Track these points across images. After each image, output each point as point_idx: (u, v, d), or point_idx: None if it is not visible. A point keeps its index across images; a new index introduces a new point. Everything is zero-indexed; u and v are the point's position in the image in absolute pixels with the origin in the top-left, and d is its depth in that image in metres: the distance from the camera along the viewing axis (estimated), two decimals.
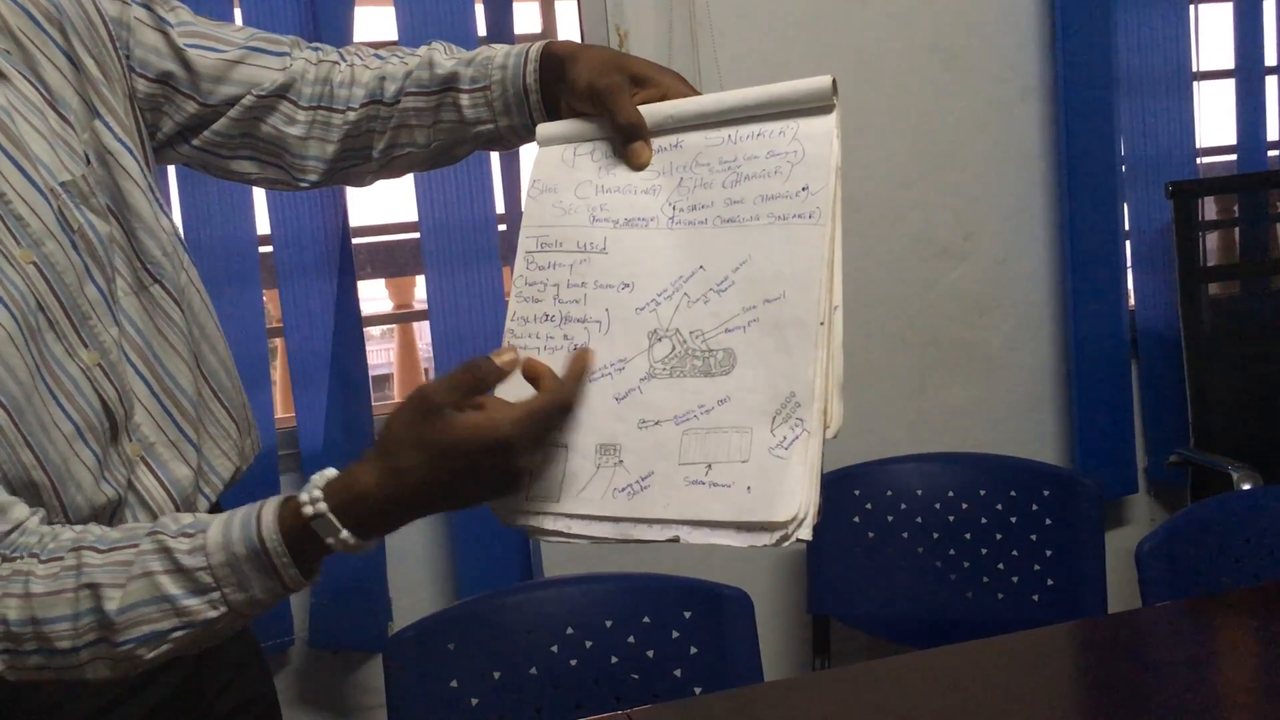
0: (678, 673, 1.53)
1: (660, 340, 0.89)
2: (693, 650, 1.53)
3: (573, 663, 1.52)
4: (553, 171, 0.98)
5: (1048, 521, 2.09)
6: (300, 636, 2.09)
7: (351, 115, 1.06)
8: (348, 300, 2.02)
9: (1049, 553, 2.08)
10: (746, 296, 0.87)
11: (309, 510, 0.81)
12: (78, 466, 0.90)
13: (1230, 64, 2.44)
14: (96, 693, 0.96)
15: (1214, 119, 2.45)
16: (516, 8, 2.05)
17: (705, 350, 0.88)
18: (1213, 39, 2.45)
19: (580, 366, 0.89)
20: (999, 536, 2.12)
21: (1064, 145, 2.32)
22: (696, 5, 2.13)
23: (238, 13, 1.93)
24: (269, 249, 2.01)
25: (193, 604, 0.81)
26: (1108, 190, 2.34)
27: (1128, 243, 2.40)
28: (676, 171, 0.93)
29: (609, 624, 1.54)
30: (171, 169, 1.84)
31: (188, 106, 1.04)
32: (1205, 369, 2.31)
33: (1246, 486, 2.08)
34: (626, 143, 0.95)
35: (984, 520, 2.13)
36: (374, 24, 2.34)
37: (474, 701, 1.48)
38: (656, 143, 0.95)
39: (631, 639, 1.54)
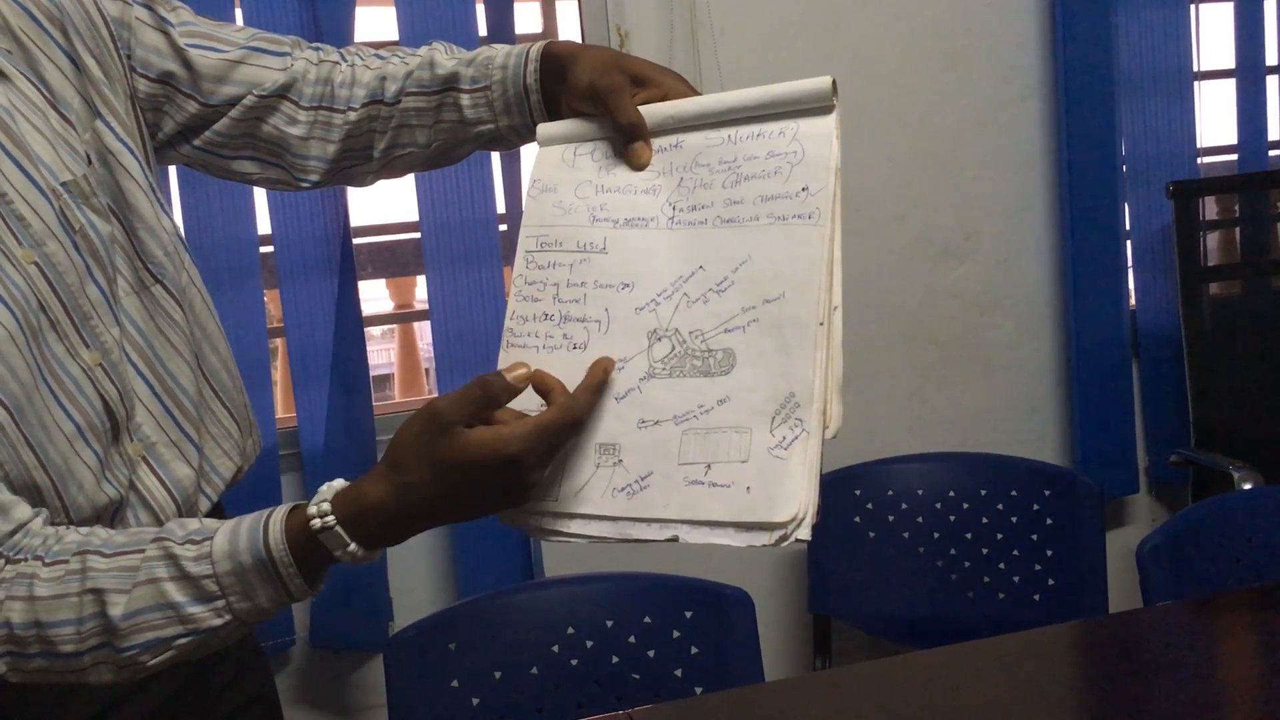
0: (678, 673, 1.53)
1: (660, 340, 0.89)
2: (694, 650, 1.53)
3: (573, 662, 1.52)
4: (553, 171, 0.98)
5: (1049, 521, 2.09)
6: (301, 636, 2.09)
7: (352, 115, 1.06)
8: (348, 300, 2.03)
9: (1050, 552, 2.08)
10: (746, 297, 0.87)
11: (317, 523, 0.82)
12: (79, 466, 0.90)
13: (1231, 64, 2.44)
14: (97, 694, 0.96)
15: (1215, 119, 2.45)
16: (517, 7, 2.05)
17: (705, 350, 0.88)
18: (1213, 39, 2.45)
19: (596, 380, 0.89)
20: (1000, 536, 2.12)
21: (1065, 145, 2.32)
22: (697, 5, 2.13)
23: (238, 13, 1.93)
24: (270, 249, 2.01)
25: (197, 611, 0.82)
26: (1108, 190, 2.34)
27: (1128, 242, 2.40)
28: (677, 171, 0.93)
29: (610, 624, 1.54)
30: (172, 169, 1.84)
31: (189, 106, 1.04)
32: (1206, 368, 2.31)
33: (1247, 486, 2.08)
34: (627, 143, 0.95)
35: (985, 520, 2.13)
36: (375, 24, 2.34)
37: (475, 701, 1.48)
38: (657, 143, 0.95)
39: (632, 639, 1.54)
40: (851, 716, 1.22)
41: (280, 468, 2.05)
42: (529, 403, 0.88)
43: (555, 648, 1.52)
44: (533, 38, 2.21)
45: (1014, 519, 2.12)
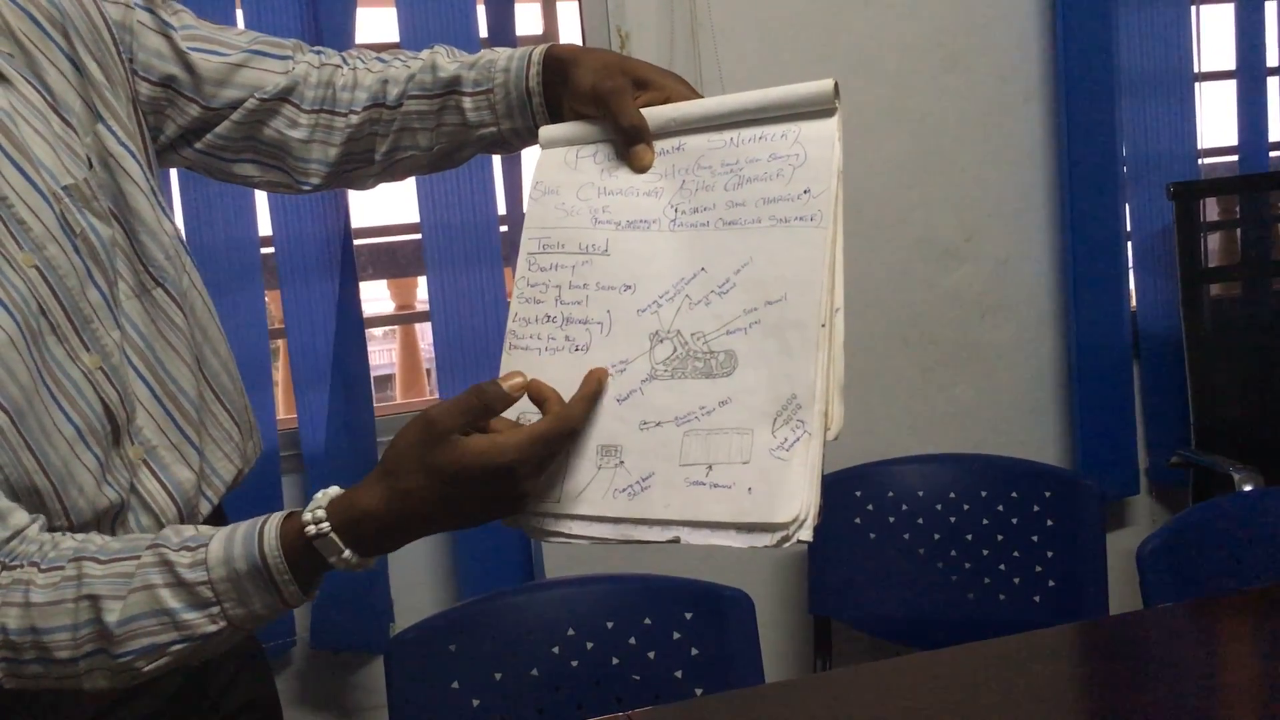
0: (679, 674, 1.53)
1: (662, 342, 0.89)
2: (694, 651, 1.53)
3: (574, 664, 1.52)
4: (555, 173, 0.98)
5: (1049, 522, 2.09)
6: (302, 638, 2.10)
7: (354, 118, 1.06)
8: (349, 301, 2.03)
9: (1050, 554, 2.08)
10: (748, 298, 0.87)
11: (312, 530, 0.82)
12: (79, 470, 0.90)
13: (1231, 65, 2.45)
14: (96, 696, 0.96)
15: (1215, 120, 2.45)
16: (518, 9, 2.05)
17: (706, 352, 0.88)
18: (1214, 40, 2.45)
19: (590, 390, 0.89)
20: (1000, 537, 2.12)
21: (1065, 146, 2.32)
22: (698, 6, 2.13)
23: (240, 14, 1.93)
24: (271, 250, 2.02)
25: (192, 618, 0.82)
26: (1109, 191, 2.34)
27: (1129, 243, 2.40)
28: (678, 174, 0.93)
29: (610, 625, 1.54)
30: (173, 171, 1.84)
31: (190, 110, 1.04)
32: (1207, 370, 2.31)
33: (1248, 488, 2.08)
34: (629, 145, 0.95)
35: (985, 521, 2.13)
36: (376, 25, 2.34)
37: (475, 702, 1.48)
38: (659, 145, 0.95)
39: (632, 640, 1.54)
40: (852, 718, 1.22)
41: (281, 469, 2.05)
42: (526, 410, 0.88)
43: (555, 649, 1.53)
44: (533, 39, 2.22)
45: (1014, 520, 2.12)
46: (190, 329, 1.02)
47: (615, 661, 1.53)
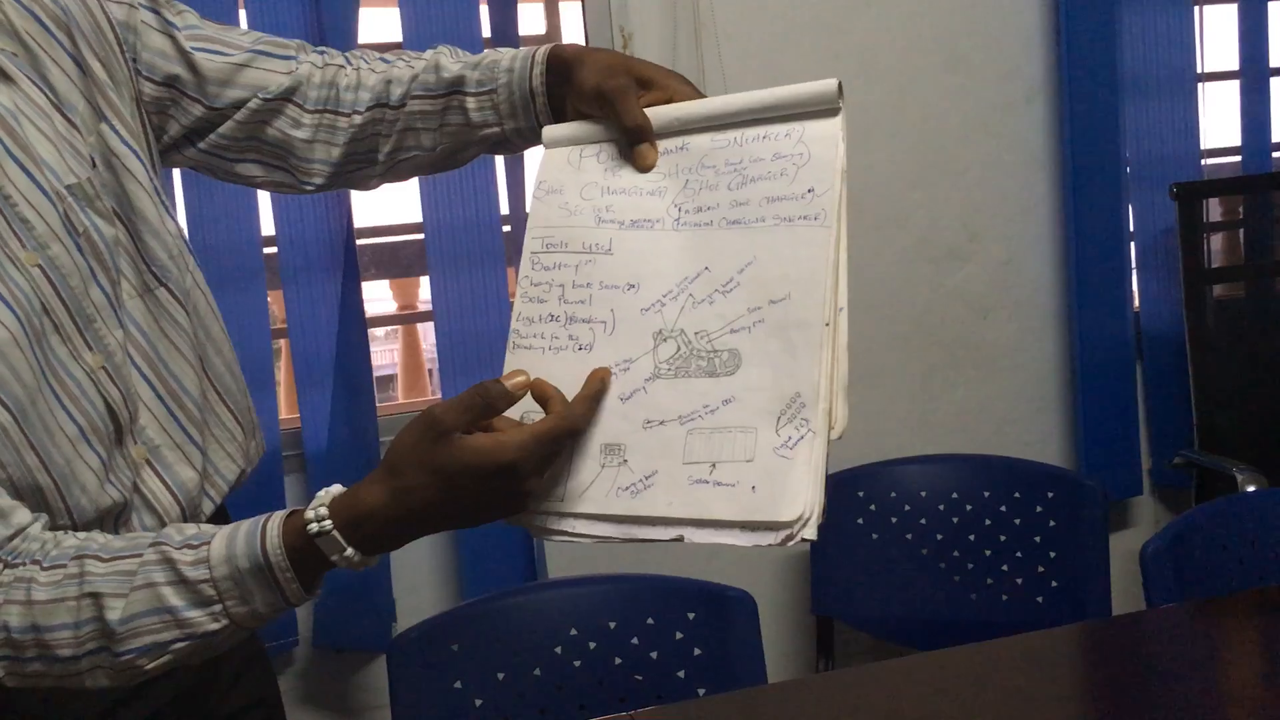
0: (681, 674, 1.53)
1: (665, 341, 0.89)
2: (696, 651, 1.53)
3: (576, 664, 1.52)
4: (559, 173, 0.98)
5: (1052, 523, 2.09)
6: (304, 637, 2.10)
7: (357, 119, 1.06)
8: (352, 301, 2.03)
9: (1053, 554, 2.08)
10: (752, 297, 0.87)
11: (314, 528, 0.82)
12: (82, 469, 0.90)
13: (1235, 65, 2.45)
14: (99, 695, 0.96)
15: (1219, 120, 2.45)
16: (521, 9, 2.05)
17: (710, 351, 0.88)
18: (1217, 40, 2.45)
19: (593, 390, 0.89)
20: (1003, 538, 2.12)
21: (1068, 147, 2.32)
22: (701, 7, 2.13)
23: (243, 14, 1.93)
24: (273, 250, 2.02)
25: (194, 616, 0.82)
26: (1112, 191, 2.34)
27: (1132, 244, 2.40)
28: (682, 173, 0.93)
29: (613, 625, 1.54)
30: (176, 171, 1.84)
31: (194, 110, 1.04)
32: (1210, 370, 2.31)
33: (1251, 488, 2.08)
34: (632, 145, 0.95)
35: (988, 522, 2.13)
36: (379, 26, 2.34)
37: (478, 702, 1.48)
38: (662, 145, 0.95)
39: (635, 640, 1.54)
40: (854, 718, 1.22)
41: (284, 469, 2.05)
42: (530, 410, 0.88)
43: (558, 649, 1.53)
44: (536, 39, 2.22)
45: (1017, 521, 2.12)
46: (193, 328, 1.02)
47: (618, 661, 1.53)
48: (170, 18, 1.03)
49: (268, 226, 2.00)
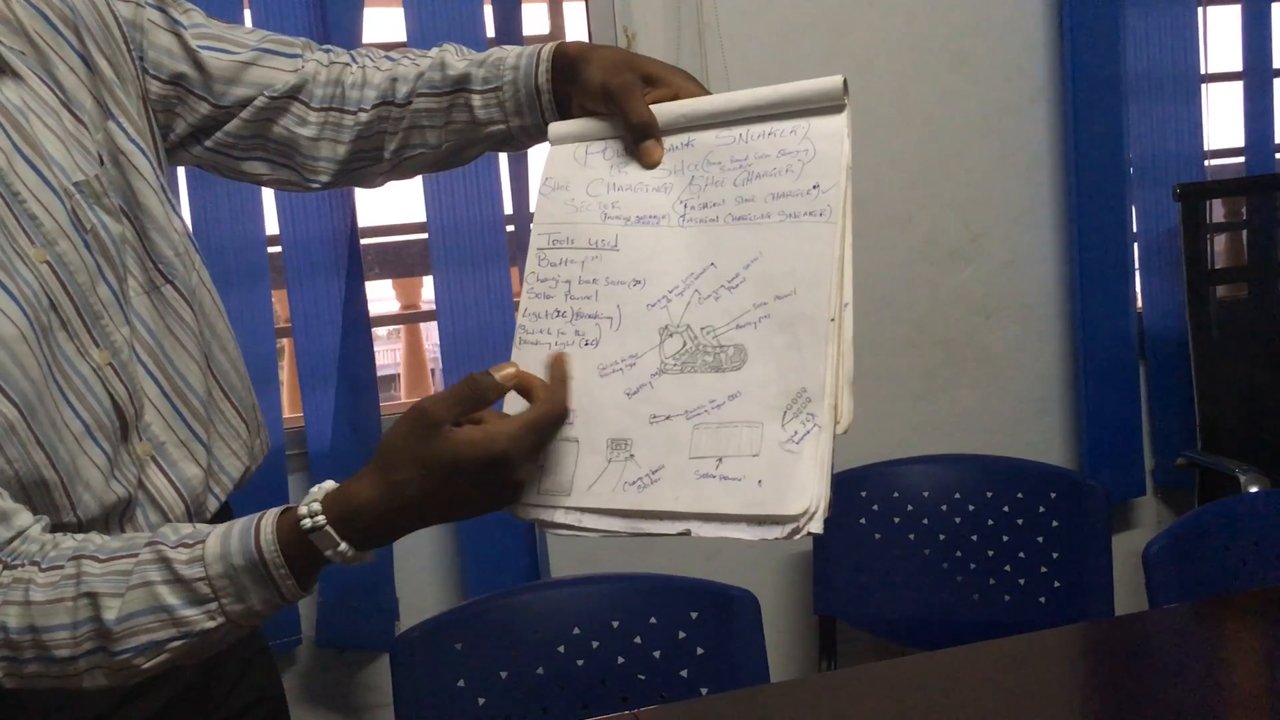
0: (684, 673, 1.53)
1: (671, 336, 0.90)
2: (699, 651, 1.53)
3: (579, 663, 1.53)
4: (565, 169, 0.98)
5: (1054, 524, 2.09)
6: (308, 636, 2.10)
7: (363, 116, 1.06)
8: (356, 300, 2.03)
9: (1056, 555, 2.08)
10: (757, 293, 0.87)
11: (308, 523, 0.82)
12: (87, 466, 0.90)
13: (1238, 66, 2.44)
14: (103, 694, 0.96)
15: (1222, 121, 2.45)
16: (525, 9, 2.06)
17: (716, 346, 0.88)
18: (1221, 41, 2.45)
19: (561, 372, 0.89)
20: (1005, 538, 2.12)
21: (1071, 147, 2.32)
22: (704, 7, 2.13)
23: (247, 15, 1.94)
24: (277, 249, 2.02)
25: (190, 614, 0.82)
26: (1115, 192, 2.34)
27: (1135, 245, 2.40)
28: (688, 170, 0.94)
29: (616, 624, 1.54)
30: (181, 170, 1.85)
31: (200, 108, 1.04)
32: (1213, 371, 2.31)
33: (1254, 489, 2.08)
34: (638, 141, 0.95)
35: (991, 522, 2.13)
36: (383, 25, 2.34)
37: (481, 701, 1.48)
38: (668, 141, 0.95)
39: (638, 639, 1.54)
40: (856, 717, 1.22)
41: (288, 468, 2.06)
42: (516, 407, 0.89)
43: (561, 648, 1.53)
44: (540, 39, 2.22)
45: (1020, 521, 2.12)
46: (199, 326, 1.02)
47: (621, 661, 1.53)
48: (177, 16, 1.03)
49: (272, 226, 2.01)
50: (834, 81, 0.89)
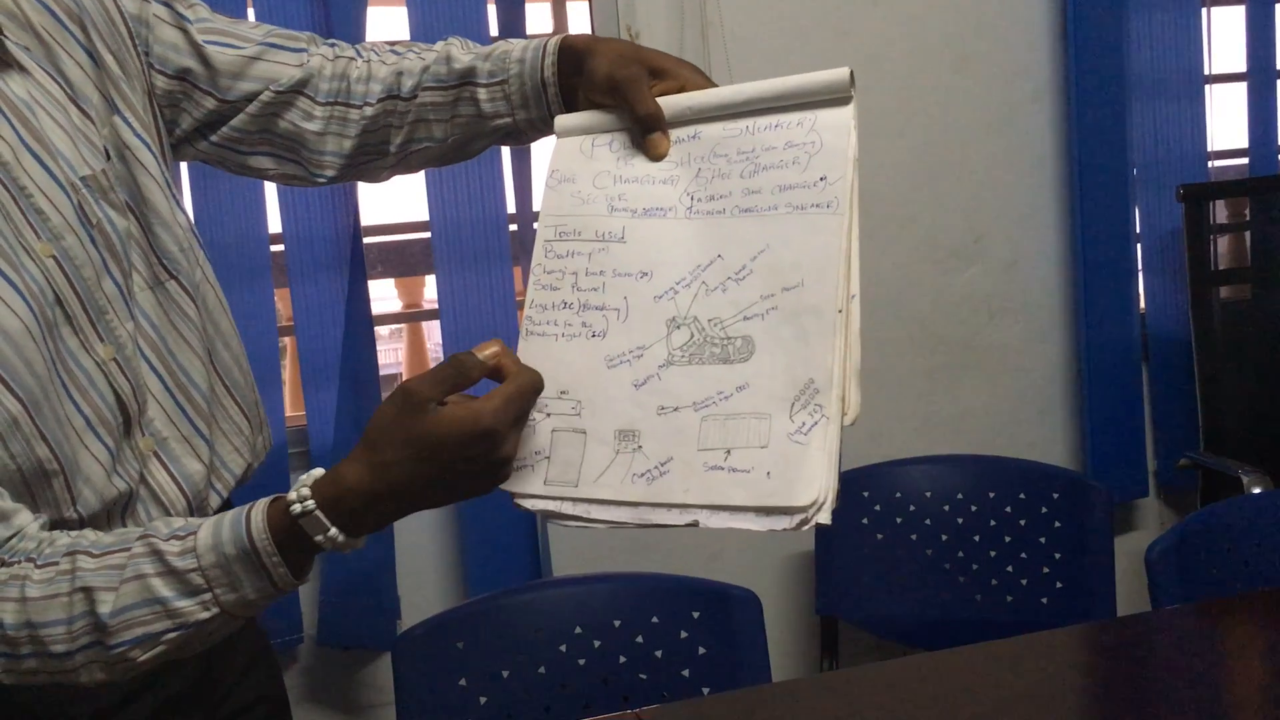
0: (686, 673, 1.53)
1: (679, 328, 0.90)
2: (701, 650, 1.53)
3: (581, 662, 1.52)
4: (571, 162, 0.98)
5: (1057, 524, 2.09)
6: (309, 634, 2.10)
7: (368, 110, 1.06)
8: (358, 299, 2.03)
9: (1058, 555, 2.08)
10: (765, 285, 0.88)
11: (297, 508, 0.82)
12: (89, 460, 0.90)
13: (1242, 67, 2.44)
14: (105, 692, 0.96)
15: (1225, 122, 2.45)
16: (528, 8, 2.06)
17: (724, 338, 0.88)
18: (1224, 42, 2.45)
19: (512, 354, 0.88)
20: (1008, 539, 2.12)
21: (1075, 148, 2.32)
22: (707, 6, 2.13)
23: (251, 14, 1.94)
24: (280, 247, 2.02)
25: (184, 605, 0.82)
26: (1119, 193, 2.34)
27: (1138, 246, 2.40)
28: (694, 162, 0.94)
29: (617, 624, 1.54)
30: (184, 168, 1.85)
31: (206, 103, 1.04)
32: (1216, 372, 2.31)
33: (1257, 490, 2.08)
34: (645, 134, 0.95)
35: (993, 523, 2.13)
36: (386, 24, 2.35)
37: (482, 700, 1.48)
38: (674, 134, 0.95)
39: (640, 639, 1.54)
40: (858, 717, 1.22)
41: (290, 466, 2.05)
42: None
43: (563, 647, 1.52)
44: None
45: (1022, 522, 2.11)
46: (202, 322, 1.02)
47: (623, 660, 1.53)
48: (182, 11, 1.03)
49: (275, 224, 2.00)
50: (840, 74, 0.89)
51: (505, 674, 1.50)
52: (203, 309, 1.03)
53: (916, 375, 2.37)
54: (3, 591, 0.81)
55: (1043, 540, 2.09)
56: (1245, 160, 2.48)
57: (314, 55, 1.07)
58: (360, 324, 2.04)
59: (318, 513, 0.82)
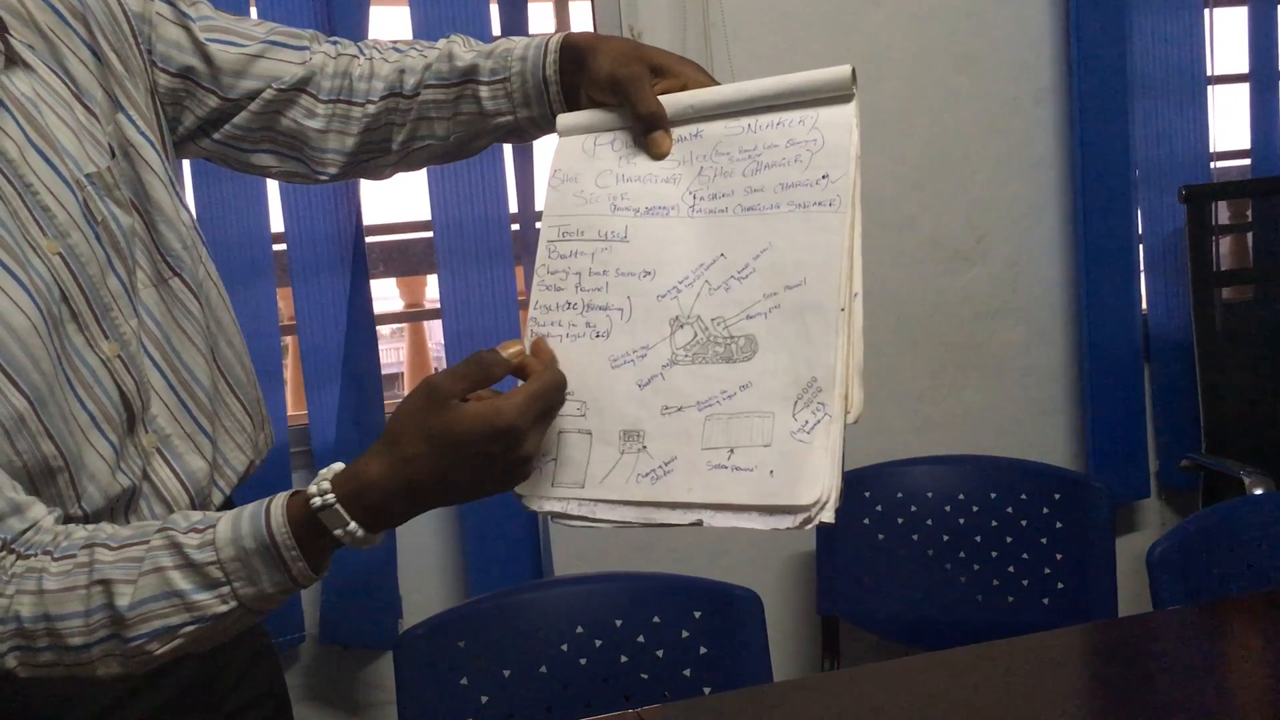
0: (687, 672, 1.52)
1: (682, 327, 0.90)
2: (702, 650, 1.53)
3: (582, 661, 1.52)
4: (574, 161, 0.98)
5: (1058, 525, 2.09)
6: (311, 633, 2.10)
7: (371, 108, 1.06)
8: (360, 298, 2.03)
9: (1059, 556, 2.08)
10: (767, 283, 0.88)
11: (317, 502, 0.82)
12: (93, 457, 0.90)
13: (1244, 68, 2.44)
14: (108, 689, 0.96)
15: (1228, 123, 2.45)
16: (531, 7, 2.06)
17: (727, 337, 0.88)
18: (1227, 43, 2.45)
19: (547, 355, 0.90)
20: (1009, 539, 2.12)
21: (1077, 149, 2.32)
22: (710, 6, 2.13)
23: (253, 12, 1.94)
24: (282, 246, 2.02)
25: (203, 598, 0.82)
26: (1121, 194, 2.34)
27: (1140, 246, 2.40)
28: (697, 160, 0.94)
29: (619, 623, 1.54)
30: (186, 167, 1.85)
31: (209, 100, 1.04)
32: (1217, 373, 2.31)
33: (1258, 491, 2.08)
34: (647, 132, 0.95)
35: (994, 523, 2.13)
36: (388, 24, 2.35)
37: (484, 699, 1.48)
38: (677, 132, 0.95)
39: (641, 638, 1.54)
40: (859, 717, 1.22)
41: (291, 465, 2.06)
42: None
43: (564, 646, 1.52)
44: None
45: (1023, 522, 2.11)
46: (205, 319, 1.03)
47: (624, 659, 1.53)
48: (185, 9, 1.03)
49: (277, 223, 2.01)
50: (842, 71, 0.89)
51: (507, 673, 1.50)
52: (206, 306, 1.03)
53: (918, 375, 2.37)
54: (20, 584, 0.81)
55: (1044, 541, 2.09)
56: (1248, 161, 2.48)
57: (316, 53, 1.07)
58: (362, 323, 2.04)
59: (338, 506, 0.82)
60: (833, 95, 0.89)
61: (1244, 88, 2.45)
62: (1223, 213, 2.38)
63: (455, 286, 2.07)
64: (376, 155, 1.09)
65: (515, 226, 2.10)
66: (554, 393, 0.86)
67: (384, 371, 2.17)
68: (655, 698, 1.52)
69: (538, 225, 0.99)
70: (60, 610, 0.81)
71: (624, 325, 0.92)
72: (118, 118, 0.97)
